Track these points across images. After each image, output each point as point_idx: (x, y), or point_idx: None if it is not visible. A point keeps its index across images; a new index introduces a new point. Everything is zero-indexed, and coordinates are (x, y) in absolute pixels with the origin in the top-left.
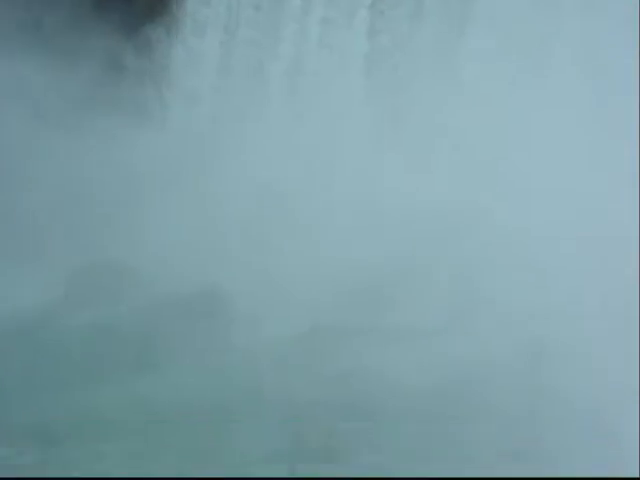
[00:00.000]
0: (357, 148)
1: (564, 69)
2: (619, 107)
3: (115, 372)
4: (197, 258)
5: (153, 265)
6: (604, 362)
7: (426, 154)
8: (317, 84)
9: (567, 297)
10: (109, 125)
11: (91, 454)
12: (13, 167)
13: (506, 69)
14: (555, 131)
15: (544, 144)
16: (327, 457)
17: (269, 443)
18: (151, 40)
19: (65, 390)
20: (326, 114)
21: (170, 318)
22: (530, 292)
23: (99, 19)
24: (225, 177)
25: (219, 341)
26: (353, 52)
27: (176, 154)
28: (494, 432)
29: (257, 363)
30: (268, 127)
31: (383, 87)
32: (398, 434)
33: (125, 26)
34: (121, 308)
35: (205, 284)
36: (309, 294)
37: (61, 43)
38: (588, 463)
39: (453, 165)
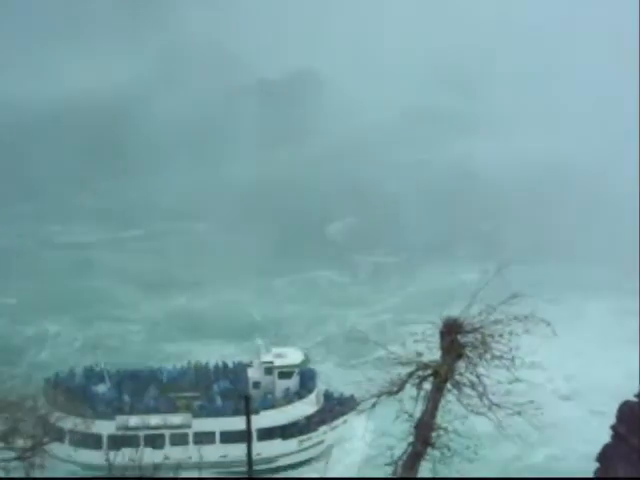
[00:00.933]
0: None
1: None
2: None
3: (198, 159)
4: (295, 42)
5: (251, 47)
6: None
7: None
8: None
9: None
10: None
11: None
12: None
13: None
14: None
15: None
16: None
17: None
18: None
19: (143, 176)
20: None
21: (262, 101)
22: None
23: None
24: None
25: (309, 125)
26: None
27: None
28: None
29: (341, 150)
30: None
31: None
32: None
33: None
34: (212, 91)
35: (302, 68)
36: (403, 80)
37: None
38: None
39: None
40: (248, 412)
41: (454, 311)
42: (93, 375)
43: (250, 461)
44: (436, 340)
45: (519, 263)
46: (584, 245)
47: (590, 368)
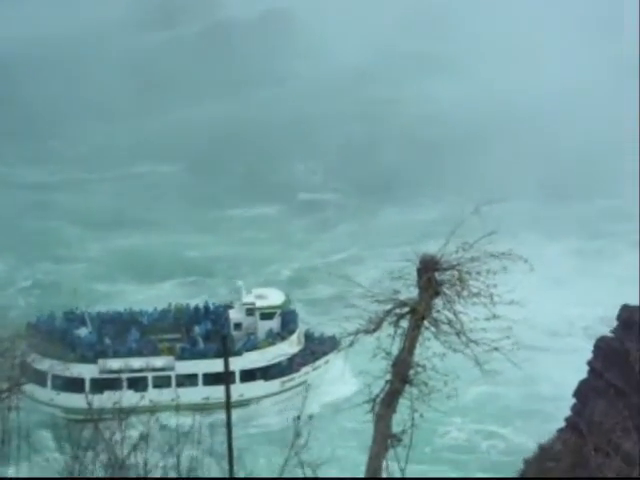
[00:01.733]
0: None
1: None
2: None
3: (165, 101)
4: None
5: None
6: None
7: None
8: None
9: None
10: None
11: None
12: None
13: None
14: None
15: None
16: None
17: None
18: None
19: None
20: None
21: (237, 41)
22: None
23: None
24: None
25: (280, 66)
26: None
27: None
28: None
29: (310, 91)
30: None
31: None
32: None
33: None
34: (186, 30)
35: (274, 7)
36: (376, 23)
37: None
38: None
39: None
40: (226, 353)
41: (424, 249)
42: (74, 318)
43: (228, 404)
44: (413, 278)
45: (490, 201)
46: (553, 183)
47: (566, 305)
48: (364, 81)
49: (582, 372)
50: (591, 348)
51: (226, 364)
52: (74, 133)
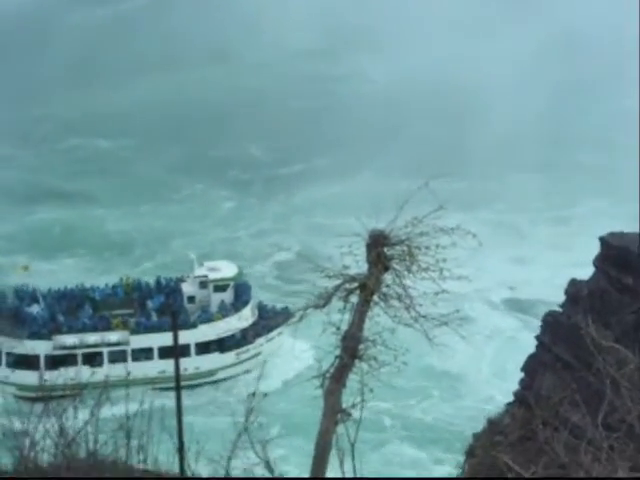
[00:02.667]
0: None
1: None
2: None
3: (110, 79)
4: None
5: None
6: None
7: None
8: None
9: None
10: None
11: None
12: None
13: None
14: None
15: None
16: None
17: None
18: None
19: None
20: None
21: (180, 16)
22: None
23: None
24: None
25: (225, 45)
26: None
27: None
28: None
29: (252, 68)
30: None
31: None
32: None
33: None
34: (129, 5)
35: None
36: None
37: None
38: None
39: None
40: (175, 327)
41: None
42: (25, 296)
43: (177, 377)
44: (362, 253)
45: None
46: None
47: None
48: (308, 58)
49: None
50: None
51: (175, 339)
52: (9, 110)
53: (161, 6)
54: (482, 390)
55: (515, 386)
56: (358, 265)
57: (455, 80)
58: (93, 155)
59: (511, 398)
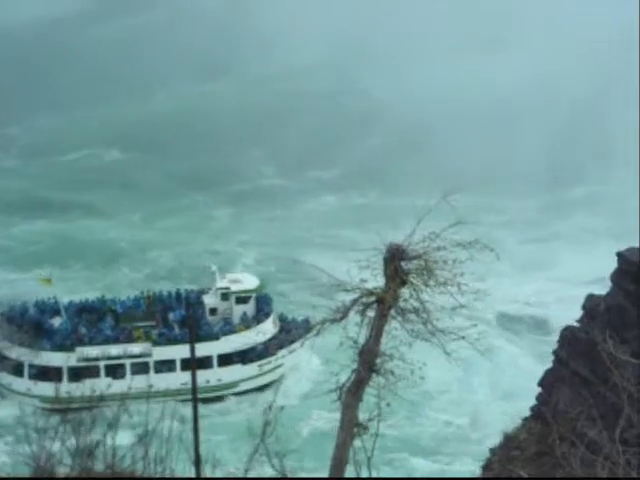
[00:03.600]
0: None
1: None
2: None
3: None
4: None
5: None
6: None
7: None
8: None
9: None
10: None
11: None
12: None
13: None
14: None
15: None
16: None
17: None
18: None
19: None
20: None
21: (189, 30)
22: None
23: None
24: None
25: (234, 59)
26: None
27: None
28: None
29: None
30: None
31: None
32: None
33: None
34: (136, 20)
35: None
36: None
37: None
38: None
39: None
40: (192, 340)
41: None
42: (46, 308)
43: (194, 389)
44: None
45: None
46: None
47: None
48: (314, 73)
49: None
50: None
51: (192, 350)
52: (17, 123)
53: (175, 20)
54: (494, 405)
55: (529, 402)
56: (375, 279)
57: (465, 95)
58: (92, 166)
59: (527, 413)
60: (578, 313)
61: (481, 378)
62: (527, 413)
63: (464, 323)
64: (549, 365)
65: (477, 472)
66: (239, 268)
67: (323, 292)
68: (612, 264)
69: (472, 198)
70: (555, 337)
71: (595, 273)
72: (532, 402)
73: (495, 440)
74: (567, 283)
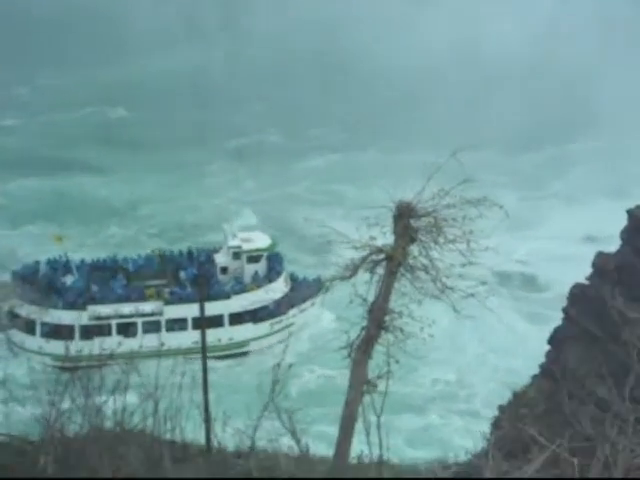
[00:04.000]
0: None
1: None
2: None
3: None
4: None
5: None
6: None
7: None
8: None
9: None
10: None
11: None
12: None
13: None
14: None
15: None
16: None
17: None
18: None
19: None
20: None
21: None
22: None
23: None
24: None
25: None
26: None
27: None
28: None
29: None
30: None
31: None
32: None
33: None
34: None
35: None
36: None
37: None
38: None
39: None
40: (202, 298)
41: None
42: (58, 266)
43: (204, 348)
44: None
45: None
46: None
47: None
48: (324, 33)
49: None
50: None
51: (202, 309)
52: (22, 82)
53: None
54: (506, 362)
55: (538, 360)
56: (385, 237)
57: (477, 54)
58: (100, 124)
59: (536, 370)
60: (570, 271)
61: (471, 335)
62: (514, 372)
63: (463, 282)
64: (536, 323)
65: (467, 428)
66: (243, 225)
67: (333, 250)
68: (604, 222)
69: (473, 155)
70: (544, 295)
71: (586, 231)
72: (520, 360)
73: (482, 398)
74: (558, 241)
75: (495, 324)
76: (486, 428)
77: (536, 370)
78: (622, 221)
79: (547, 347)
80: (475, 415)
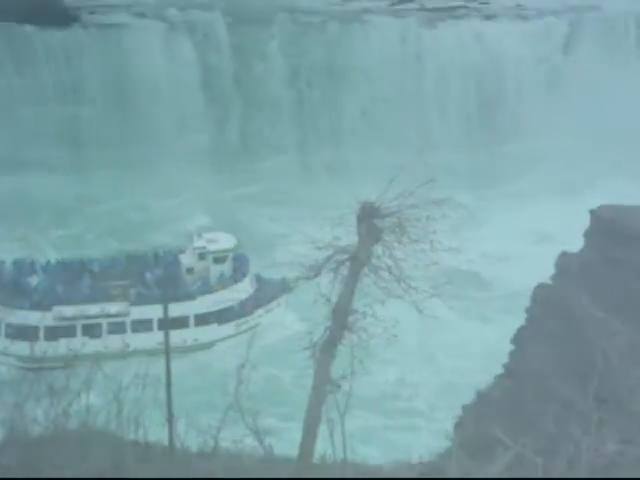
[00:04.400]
0: None
1: None
2: None
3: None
4: None
5: None
6: None
7: None
8: None
9: None
10: None
11: None
12: None
13: None
14: None
15: None
16: None
17: None
18: None
19: None
20: None
21: None
22: None
23: None
24: None
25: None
26: None
27: None
28: None
29: None
30: None
31: None
32: None
33: None
34: None
35: None
36: None
37: None
38: None
39: None
40: (166, 299)
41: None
42: (23, 267)
43: (167, 348)
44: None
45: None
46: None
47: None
48: None
49: None
50: None
51: (165, 310)
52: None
53: None
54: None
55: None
56: (349, 237)
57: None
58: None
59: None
60: (519, 270)
61: (413, 336)
62: (462, 372)
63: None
64: (475, 322)
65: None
66: (198, 226)
67: (296, 250)
68: (552, 221)
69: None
70: (491, 294)
71: (535, 229)
72: (468, 361)
73: (425, 399)
74: (506, 240)
75: (444, 323)
76: (437, 427)
77: (482, 369)
78: (574, 221)
79: (499, 347)
80: (420, 415)
